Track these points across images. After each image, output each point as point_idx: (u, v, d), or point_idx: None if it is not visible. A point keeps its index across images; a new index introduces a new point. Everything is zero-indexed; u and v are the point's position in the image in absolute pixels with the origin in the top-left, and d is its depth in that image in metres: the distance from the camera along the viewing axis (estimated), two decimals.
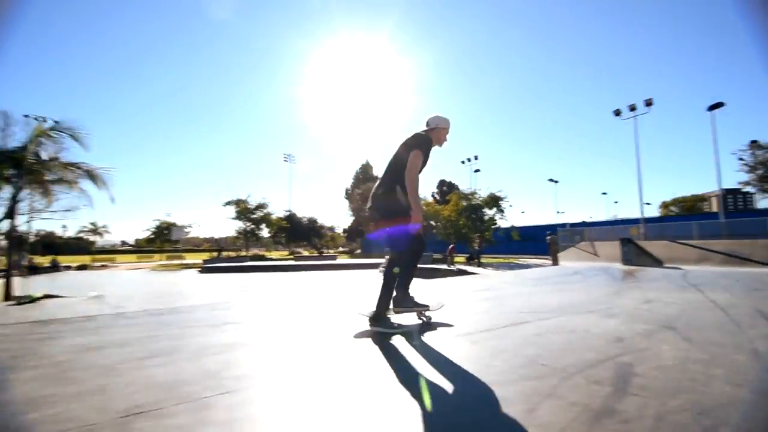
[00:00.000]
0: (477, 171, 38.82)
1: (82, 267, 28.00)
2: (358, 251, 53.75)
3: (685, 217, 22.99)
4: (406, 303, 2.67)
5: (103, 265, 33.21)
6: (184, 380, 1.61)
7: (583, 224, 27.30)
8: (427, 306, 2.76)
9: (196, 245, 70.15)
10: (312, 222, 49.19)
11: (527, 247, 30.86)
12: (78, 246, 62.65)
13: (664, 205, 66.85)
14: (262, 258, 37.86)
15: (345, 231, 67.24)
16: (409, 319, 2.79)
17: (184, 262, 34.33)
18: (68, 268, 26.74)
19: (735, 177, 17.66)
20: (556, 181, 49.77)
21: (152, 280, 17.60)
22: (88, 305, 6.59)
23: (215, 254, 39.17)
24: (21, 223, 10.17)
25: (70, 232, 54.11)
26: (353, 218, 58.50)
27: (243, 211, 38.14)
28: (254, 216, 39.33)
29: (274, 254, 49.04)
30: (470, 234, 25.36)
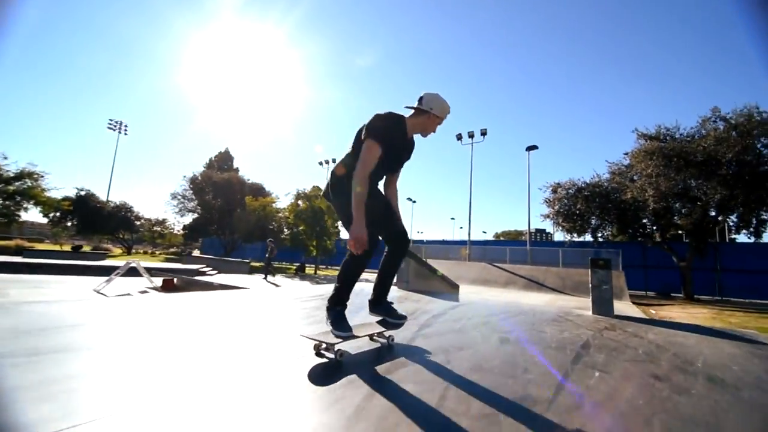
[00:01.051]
0: None
1: None
2: (195, 253, 43.68)
3: (502, 242, 25.00)
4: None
5: None
6: None
7: (422, 242, 27.28)
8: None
9: None
10: (121, 209, 37.25)
11: (374, 261, 29.54)
12: None
13: (497, 236, 79.84)
14: (22, 251, 25.22)
15: (185, 228, 55.04)
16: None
17: None
18: None
19: (542, 210, 19.01)
20: (414, 201, 52.82)
21: None
22: None
23: None
24: None
25: None
26: (198, 213, 47.84)
27: None
28: (10, 188, 26.75)
29: (52, 246, 34.70)
30: (307, 241, 21.79)
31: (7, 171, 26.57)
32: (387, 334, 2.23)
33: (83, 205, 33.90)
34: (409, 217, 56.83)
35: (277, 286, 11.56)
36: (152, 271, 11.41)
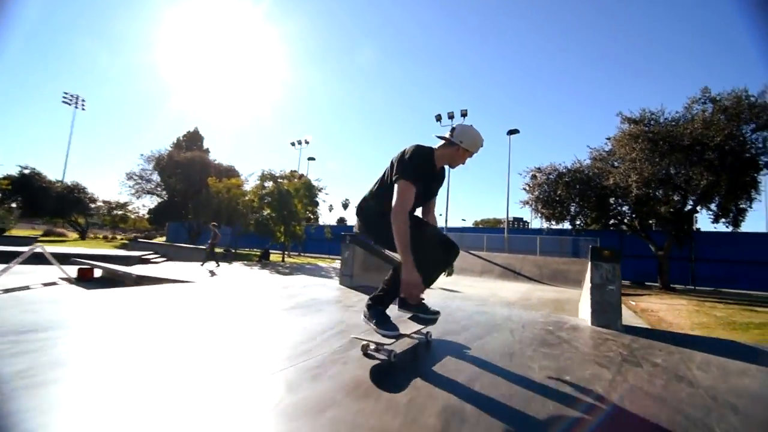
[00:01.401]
0: (311, 159, 34.51)
1: None
2: (160, 239, 40.76)
3: (479, 229, 24.24)
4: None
5: None
6: None
7: None
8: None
9: None
10: (73, 190, 33.98)
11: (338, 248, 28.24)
12: None
13: (476, 224, 79.63)
14: None
15: (150, 212, 51.52)
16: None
17: None
18: None
19: (522, 197, 18.06)
20: None
21: None
22: None
23: None
24: None
25: None
26: (158, 195, 44.50)
27: None
28: None
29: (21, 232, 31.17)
30: (273, 227, 20.15)
31: None
32: (425, 330, 2.26)
33: (27, 184, 30.51)
34: None
35: (213, 274, 10.10)
36: (72, 258, 9.65)
